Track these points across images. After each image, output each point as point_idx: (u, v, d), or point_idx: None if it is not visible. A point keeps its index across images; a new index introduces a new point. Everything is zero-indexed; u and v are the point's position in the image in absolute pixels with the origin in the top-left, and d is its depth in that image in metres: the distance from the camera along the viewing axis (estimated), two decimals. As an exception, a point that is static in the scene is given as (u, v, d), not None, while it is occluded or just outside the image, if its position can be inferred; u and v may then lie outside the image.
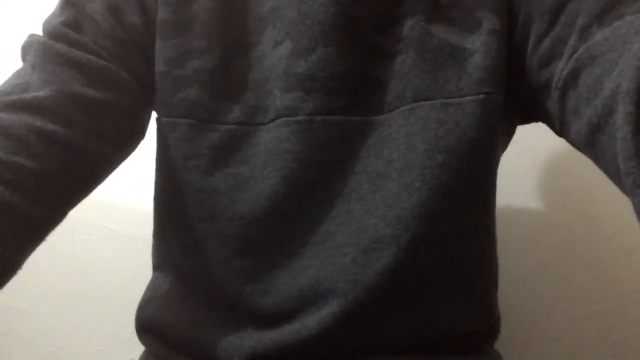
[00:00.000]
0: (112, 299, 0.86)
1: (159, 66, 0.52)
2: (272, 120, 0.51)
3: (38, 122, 0.45)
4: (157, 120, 0.54)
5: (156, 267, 0.59)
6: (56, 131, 0.45)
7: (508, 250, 0.82)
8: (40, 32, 0.51)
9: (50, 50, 0.48)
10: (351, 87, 0.50)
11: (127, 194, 0.81)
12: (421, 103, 0.49)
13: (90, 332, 0.87)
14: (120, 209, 0.84)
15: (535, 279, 0.82)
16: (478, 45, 0.49)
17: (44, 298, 0.86)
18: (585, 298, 0.82)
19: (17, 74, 0.49)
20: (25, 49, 0.50)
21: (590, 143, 0.42)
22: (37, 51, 0.49)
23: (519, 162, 0.80)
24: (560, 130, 0.47)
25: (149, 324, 0.57)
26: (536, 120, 0.53)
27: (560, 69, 0.45)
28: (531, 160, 0.80)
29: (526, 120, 0.55)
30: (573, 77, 0.43)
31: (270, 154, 0.51)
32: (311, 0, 0.50)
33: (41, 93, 0.46)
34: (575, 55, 0.43)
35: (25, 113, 0.45)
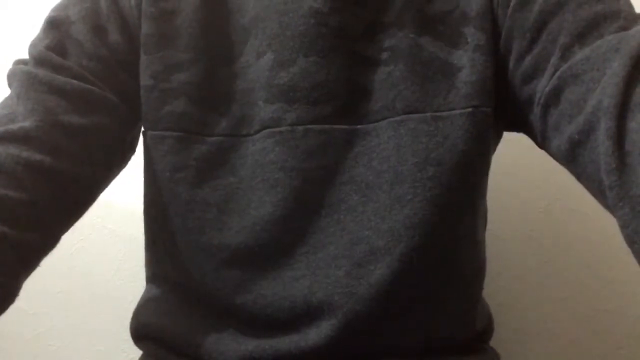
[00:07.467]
0: (112, 299, 0.86)
1: (145, 80, 0.51)
2: (258, 131, 0.51)
3: (25, 153, 0.45)
4: (144, 134, 0.54)
5: (149, 279, 0.60)
6: (43, 161, 0.45)
7: (508, 250, 0.82)
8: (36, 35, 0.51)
9: (34, 78, 0.48)
10: (335, 95, 0.50)
11: (127, 194, 0.81)
12: (411, 115, 0.50)
13: (90, 332, 0.87)
14: (120, 209, 0.84)
15: (535, 279, 0.83)
16: (465, 61, 0.49)
17: (44, 298, 0.86)
18: (585, 298, 0.82)
19: (4, 104, 0.49)
20: (10, 78, 0.50)
21: (570, 158, 0.44)
22: (20, 81, 0.49)
23: (519, 162, 0.80)
24: (541, 143, 0.49)
25: (144, 330, 0.57)
26: (518, 131, 0.53)
27: (543, 86, 0.46)
28: (531, 160, 0.80)
29: (509, 129, 0.56)
30: (555, 94, 0.45)
31: (257, 165, 0.51)
32: (292, 12, 0.50)
33: (27, 123, 0.46)
34: (557, 73, 0.45)
35: (12, 145, 0.45)
